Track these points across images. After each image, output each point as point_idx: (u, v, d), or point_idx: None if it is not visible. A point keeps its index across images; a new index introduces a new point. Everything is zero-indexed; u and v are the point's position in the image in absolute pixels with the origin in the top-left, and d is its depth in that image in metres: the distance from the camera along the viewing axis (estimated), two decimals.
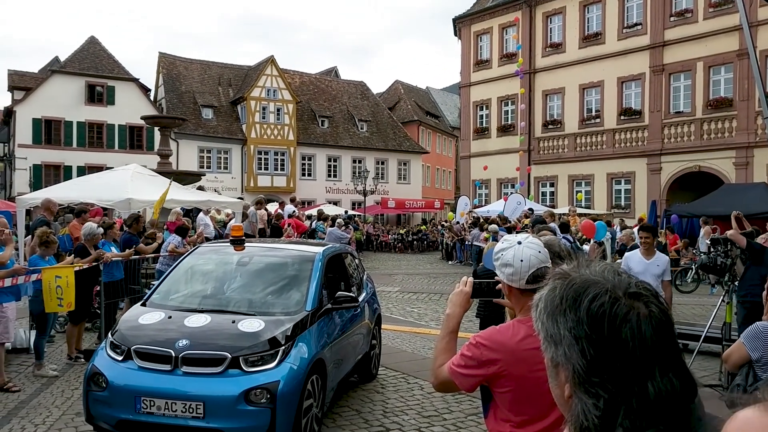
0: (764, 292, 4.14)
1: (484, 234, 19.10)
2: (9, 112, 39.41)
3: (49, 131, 37.19)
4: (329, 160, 45.08)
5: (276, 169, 42.33)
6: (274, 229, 16.86)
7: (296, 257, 6.59)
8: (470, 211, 26.47)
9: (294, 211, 20.07)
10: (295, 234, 17.01)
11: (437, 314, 12.52)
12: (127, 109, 37.24)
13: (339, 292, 6.16)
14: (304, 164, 43.96)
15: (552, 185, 32.19)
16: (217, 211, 17.11)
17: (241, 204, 16.40)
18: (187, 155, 38.40)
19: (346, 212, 30.41)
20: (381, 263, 25.92)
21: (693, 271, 16.91)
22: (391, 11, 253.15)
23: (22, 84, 38.55)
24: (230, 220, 16.38)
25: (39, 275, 7.40)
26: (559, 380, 1.07)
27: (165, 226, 13.02)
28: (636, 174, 28.44)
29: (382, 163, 47.24)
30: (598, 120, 30.12)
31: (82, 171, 33.70)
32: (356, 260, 8.03)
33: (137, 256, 10.36)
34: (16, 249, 9.84)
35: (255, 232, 16.00)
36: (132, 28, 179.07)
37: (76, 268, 8.05)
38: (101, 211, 13.84)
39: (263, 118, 41.81)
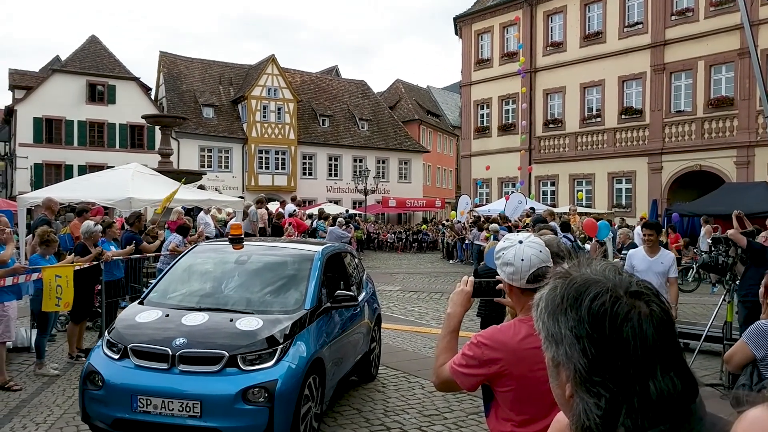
0: (761, 290, 4.13)
1: (485, 233, 19.10)
2: (10, 111, 39.43)
3: (50, 130, 37.22)
4: (330, 159, 45.08)
5: (277, 168, 42.33)
6: (274, 228, 16.85)
7: (295, 256, 6.53)
8: (471, 210, 26.46)
9: (295, 210, 20.08)
10: (296, 233, 17.01)
11: (438, 313, 12.53)
12: (128, 108, 37.25)
13: (338, 291, 6.10)
14: (304, 163, 43.96)
15: (553, 184, 32.17)
16: (218, 210, 17.10)
17: (242, 203, 16.39)
18: (187, 154, 38.41)
19: (346, 211, 30.42)
20: (382, 262, 25.92)
21: (694, 271, 16.90)
22: (391, 11, 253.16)
23: (23, 83, 38.57)
24: (231, 219, 16.38)
25: (39, 274, 7.40)
26: (560, 380, 1.07)
27: (166, 225, 13.03)
28: (637, 173, 28.42)
29: (383, 162, 47.23)
30: (598, 119, 30.10)
31: (83, 170, 33.70)
32: (356, 260, 7.98)
33: (138, 255, 10.37)
34: (17, 248, 9.86)
35: (256, 231, 15.99)
36: (132, 28, 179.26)
37: (77, 267, 8.06)
38: (102, 210, 13.83)
39: (264, 117, 41.82)
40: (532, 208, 20.53)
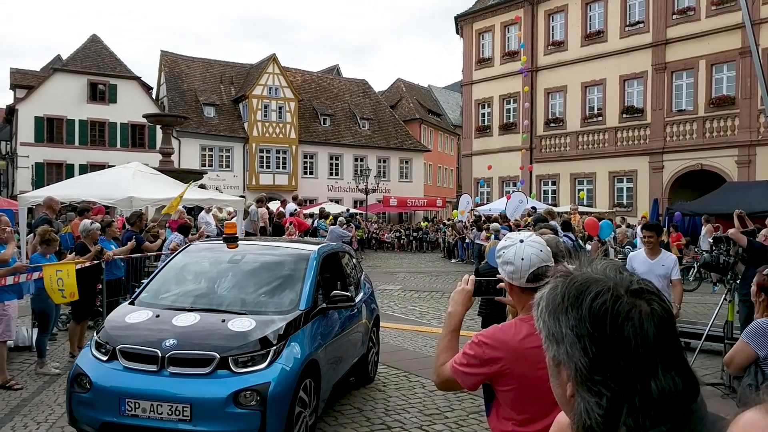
0: (753, 288, 4.10)
1: (485, 233, 19.10)
2: (11, 111, 39.46)
3: (51, 129, 37.25)
4: (331, 158, 45.09)
5: (278, 167, 42.35)
6: (275, 228, 16.86)
7: (290, 255, 6.38)
8: (472, 210, 26.45)
9: (296, 209, 20.09)
10: (297, 232, 17.01)
11: (439, 312, 12.53)
12: (129, 107, 37.28)
13: (334, 292, 5.94)
14: (305, 162, 43.98)
15: (554, 183, 32.16)
16: (219, 210, 17.12)
17: (243, 202, 16.41)
18: (188, 153, 38.41)
19: (347, 210, 30.42)
20: (383, 262, 25.94)
21: (695, 270, 16.90)
22: (391, 11, 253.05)
23: (25, 82, 38.60)
24: (232, 218, 16.39)
25: (40, 273, 7.41)
26: (560, 379, 1.07)
27: (167, 224, 13.04)
28: (638, 172, 28.40)
29: (384, 162, 47.24)
30: (600, 118, 30.08)
31: (84, 169, 33.73)
32: (354, 259, 7.84)
33: (139, 255, 10.37)
34: (18, 247, 9.87)
35: (256, 230, 16.01)
36: (132, 28, 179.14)
37: (78, 266, 8.06)
38: (103, 210, 13.85)
39: (265, 116, 41.83)
40: (534, 207, 20.52)
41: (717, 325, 8.03)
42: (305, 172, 43.79)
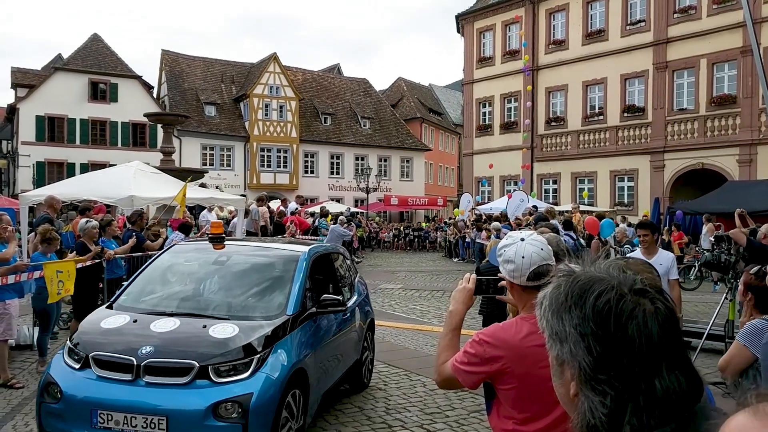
0: (740, 287, 4.03)
1: (485, 232, 19.10)
2: (12, 110, 39.47)
3: (52, 128, 37.27)
4: (332, 157, 45.09)
5: (279, 166, 42.36)
6: (276, 227, 16.87)
7: (279, 257, 6.08)
8: (473, 209, 26.44)
9: (297, 208, 20.10)
10: (298, 231, 17.02)
11: (440, 311, 12.53)
12: (130, 106, 37.29)
13: (325, 295, 5.66)
14: (306, 161, 44.00)
15: (555, 182, 32.15)
16: (220, 209, 17.13)
17: (244, 201, 16.41)
18: (190, 152, 38.42)
19: (348, 209, 30.42)
20: (383, 260, 25.95)
21: (696, 269, 16.90)
22: (392, 10, 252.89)
23: (26, 81, 38.64)
24: (233, 217, 16.40)
25: (41, 272, 7.42)
26: (564, 378, 1.07)
27: (168, 223, 13.05)
28: (639, 171, 28.38)
29: (385, 161, 47.24)
30: (601, 117, 30.06)
31: (85, 168, 33.75)
32: (348, 261, 7.56)
33: (140, 254, 10.37)
34: (20, 246, 9.87)
35: (257, 229, 16.02)
36: (132, 28, 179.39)
37: (79, 265, 8.07)
38: (104, 208, 13.85)
39: (266, 115, 41.84)
40: (535, 206, 20.52)
41: (718, 324, 8.03)
42: (306, 171, 43.80)
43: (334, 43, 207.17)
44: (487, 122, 35.59)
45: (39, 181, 33.42)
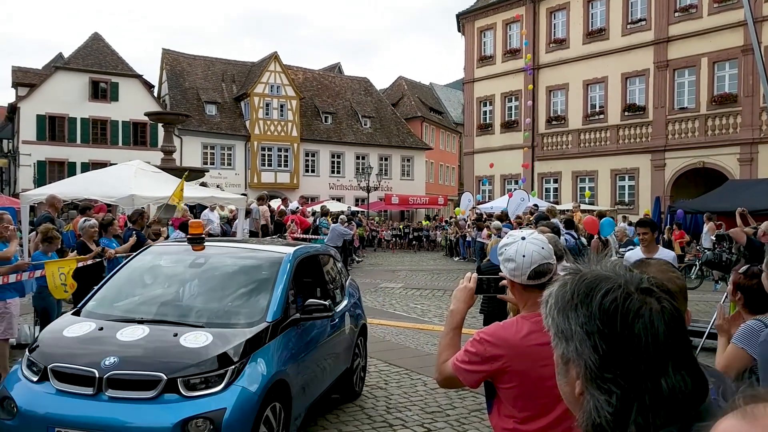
0: (729, 287, 4.02)
1: (485, 231, 19.10)
2: (13, 109, 39.49)
3: (53, 127, 37.29)
4: (333, 156, 45.10)
5: (279, 165, 42.36)
6: (277, 225, 16.88)
7: (261, 259, 5.74)
8: (473, 208, 26.45)
9: (298, 207, 20.11)
10: (299, 230, 17.03)
11: (441, 310, 12.53)
12: (131, 105, 37.30)
13: (309, 300, 5.25)
14: (307, 160, 44.00)
15: (555, 181, 32.15)
16: (221, 208, 17.12)
17: (245, 200, 16.41)
18: (190, 151, 38.41)
19: (349, 208, 30.42)
20: (384, 260, 25.96)
21: (697, 267, 16.90)
22: (392, 9, 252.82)
23: (26, 80, 38.63)
24: (234, 216, 16.40)
25: (42, 271, 7.42)
26: (569, 377, 1.07)
27: (169, 222, 13.05)
28: (640, 170, 28.37)
29: (386, 160, 47.24)
30: (602, 116, 30.04)
31: (86, 167, 33.73)
32: (338, 264, 7.20)
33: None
34: (21, 245, 9.87)
35: (258, 228, 16.03)
36: (132, 27, 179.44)
37: (80, 264, 8.07)
38: (105, 208, 13.86)
39: (267, 114, 41.84)
40: (536, 205, 20.52)
41: None
42: (307, 170, 43.81)
43: (335, 43, 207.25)
44: (487, 121, 35.59)
45: (40, 180, 33.43)
